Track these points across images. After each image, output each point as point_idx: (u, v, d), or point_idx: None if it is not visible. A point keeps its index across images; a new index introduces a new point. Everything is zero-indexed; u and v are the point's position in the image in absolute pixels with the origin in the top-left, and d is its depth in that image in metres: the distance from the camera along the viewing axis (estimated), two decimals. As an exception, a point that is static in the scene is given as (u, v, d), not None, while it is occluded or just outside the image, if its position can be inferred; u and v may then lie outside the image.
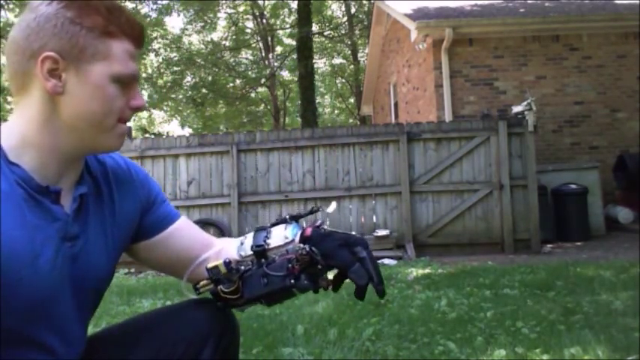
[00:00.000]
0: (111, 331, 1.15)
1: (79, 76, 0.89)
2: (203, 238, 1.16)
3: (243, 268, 0.98)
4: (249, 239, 1.04)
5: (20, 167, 0.89)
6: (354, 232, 1.04)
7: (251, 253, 1.01)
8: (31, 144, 0.90)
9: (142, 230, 1.10)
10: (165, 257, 1.13)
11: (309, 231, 0.99)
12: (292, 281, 0.95)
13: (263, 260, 0.99)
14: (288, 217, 1.04)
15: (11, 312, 0.86)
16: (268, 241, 1.01)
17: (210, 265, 1.00)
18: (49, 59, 0.87)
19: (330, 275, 1.03)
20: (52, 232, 0.91)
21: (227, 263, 0.98)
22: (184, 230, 1.14)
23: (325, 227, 1.03)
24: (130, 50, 0.94)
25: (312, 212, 1.05)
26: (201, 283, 1.02)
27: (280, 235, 1.01)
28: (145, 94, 23.39)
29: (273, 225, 1.05)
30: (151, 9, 20.38)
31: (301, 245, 0.97)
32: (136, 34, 0.96)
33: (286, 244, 0.99)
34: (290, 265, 0.95)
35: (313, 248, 0.96)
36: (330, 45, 23.92)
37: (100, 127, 0.93)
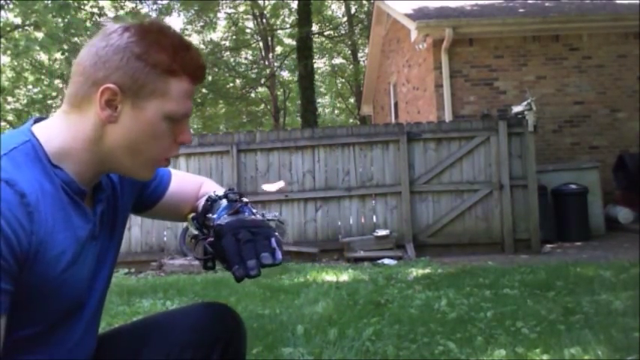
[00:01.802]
0: (119, 332, 1.18)
1: (134, 110, 0.93)
2: (194, 188, 1.26)
3: (196, 232, 1.14)
4: (203, 203, 1.15)
5: (63, 170, 0.93)
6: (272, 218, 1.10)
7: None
8: (72, 157, 0.94)
9: (141, 204, 1.20)
10: (166, 214, 1.27)
11: (217, 223, 1.06)
12: (210, 265, 1.06)
13: (203, 230, 1.13)
14: (225, 193, 1.13)
15: (51, 313, 0.91)
16: (208, 214, 1.11)
17: (189, 215, 1.20)
18: (108, 90, 0.91)
19: None
20: (88, 234, 0.96)
21: (194, 218, 1.16)
22: (177, 191, 1.23)
23: (251, 210, 1.11)
24: (188, 89, 0.96)
25: (238, 201, 1.11)
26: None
27: (216, 208, 1.11)
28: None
29: (220, 197, 1.13)
30: (151, 9, 20.37)
31: (206, 243, 1.07)
32: (199, 74, 0.98)
33: (214, 225, 1.08)
34: (209, 249, 1.05)
35: (208, 248, 1.05)
36: (330, 45, 23.93)
37: (140, 160, 0.97)
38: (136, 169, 0.99)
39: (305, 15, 15.84)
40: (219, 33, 24.00)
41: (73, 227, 0.92)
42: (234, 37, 23.05)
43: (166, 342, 1.04)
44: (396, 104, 12.43)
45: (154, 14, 20.21)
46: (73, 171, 0.94)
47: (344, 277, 5.13)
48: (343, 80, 25.15)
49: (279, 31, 23.46)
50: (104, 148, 0.94)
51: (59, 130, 0.94)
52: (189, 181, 1.27)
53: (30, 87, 20.86)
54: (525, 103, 7.08)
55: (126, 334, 1.13)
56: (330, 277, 5.12)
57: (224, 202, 1.11)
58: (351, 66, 23.33)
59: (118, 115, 0.92)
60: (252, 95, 23.81)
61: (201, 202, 1.17)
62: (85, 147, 0.94)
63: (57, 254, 0.88)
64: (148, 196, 1.19)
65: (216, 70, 21.53)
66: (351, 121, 24.95)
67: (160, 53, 0.92)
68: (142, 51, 0.92)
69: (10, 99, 20.39)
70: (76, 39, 14.60)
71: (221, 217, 1.07)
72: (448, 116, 8.61)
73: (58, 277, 0.89)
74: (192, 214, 1.17)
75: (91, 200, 1.00)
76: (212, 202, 1.12)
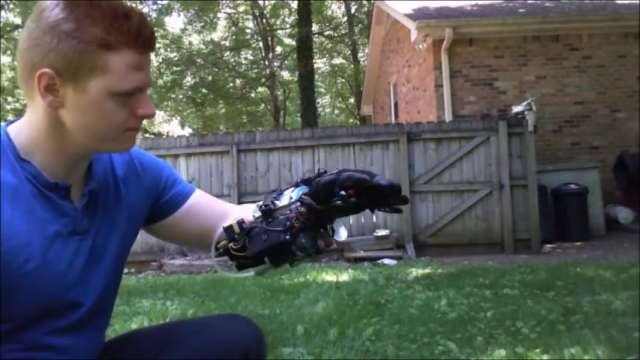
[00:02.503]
0: (140, 334, 1.16)
1: (77, 92, 0.87)
2: (220, 209, 1.16)
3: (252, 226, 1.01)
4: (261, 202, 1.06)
5: (30, 163, 0.91)
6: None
7: (260, 213, 1.01)
8: (38, 146, 0.92)
9: (157, 213, 1.12)
10: (185, 232, 1.15)
11: (306, 189, 0.98)
12: (287, 237, 0.95)
13: (269, 219, 1.00)
14: (299, 180, 1.04)
15: (25, 303, 0.89)
16: (276, 201, 1.00)
17: (226, 224, 1.03)
18: (45, 76, 0.86)
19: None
20: (61, 227, 0.93)
21: (240, 222, 1.01)
22: (199, 205, 1.15)
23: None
24: (133, 61, 0.88)
25: (319, 175, 1.00)
26: (220, 243, 1.04)
27: (287, 196, 1.01)
28: (144, 94, 23.36)
29: (286, 189, 1.05)
30: (151, 9, 20.37)
31: (298, 201, 0.97)
32: (142, 41, 0.89)
33: (290, 203, 0.99)
34: (288, 223, 0.95)
35: (306, 198, 0.95)
36: (330, 45, 23.92)
37: (103, 139, 0.92)
38: (104, 147, 0.95)
39: (305, 15, 15.84)
40: (219, 33, 23.99)
41: (37, 220, 0.89)
42: (234, 37, 23.03)
43: (185, 351, 1.03)
44: (396, 104, 12.43)
45: (154, 14, 20.23)
46: (42, 163, 0.91)
47: (344, 277, 5.13)
48: (343, 80, 25.14)
49: (279, 31, 23.45)
50: (63, 132, 0.90)
51: (25, 124, 0.93)
52: (217, 200, 1.20)
53: (30, 87, 20.85)
54: (525, 103, 7.08)
55: (147, 337, 1.11)
56: (330, 277, 5.12)
57: (295, 190, 1.00)
58: (351, 66, 23.31)
59: (61, 99, 0.87)
60: (252, 95, 23.80)
61: (249, 207, 1.07)
62: (45, 135, 0.91)
63: (13, 246, 0.86)
64: (163, 205, 1.12)
65: (216, 70, 21.53)
66: (351, 121, 24.94)
67: (92, 27, 0.85)
68: (73, 27, 0.85)
69: (10, 99, 20.40)
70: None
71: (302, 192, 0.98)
72: (448, 116, 8.61)
73: (18, 271, 0.86)
74: (239, 219, 1.03)
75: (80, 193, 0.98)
76: (280, 192, 1.03)
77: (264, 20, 22.61)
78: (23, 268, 0.87)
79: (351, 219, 7.11)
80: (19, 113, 19.13)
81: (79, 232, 0.96)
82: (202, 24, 22.77)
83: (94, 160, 1.01)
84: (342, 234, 1.04)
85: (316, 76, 19.95)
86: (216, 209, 1.16)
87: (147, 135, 22.84)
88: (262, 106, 24.71)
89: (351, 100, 24.91)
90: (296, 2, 17.93)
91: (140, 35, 0.89)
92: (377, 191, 0.96)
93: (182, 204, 1.13)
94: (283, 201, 1.00)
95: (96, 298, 0.99)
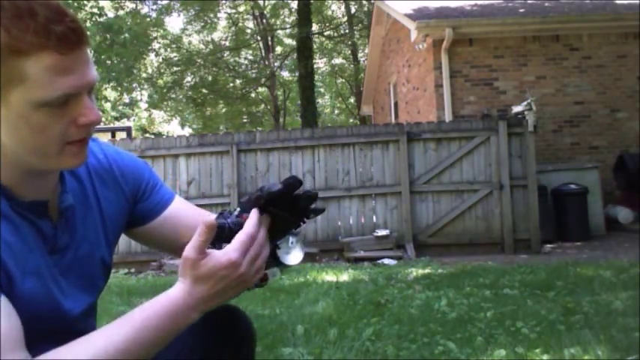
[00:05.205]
0: None
1: (3, 107, 0.78)
2: (198, 218, 1.09)
3: None
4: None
5: (2, 183, 0.87)
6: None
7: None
8: (2, 165, 0.86)
9: (135, 218, 1.09)
10: (162, 240, 1.12)
11: (244, 216, 0.89)
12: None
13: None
14: (242, 200, 0.96)
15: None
16: (228, 219, 0.93)
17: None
18: None
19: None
20: (40, 247, 0.89)
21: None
22: (178, 214, 1.11)
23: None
24: (54, 64, 0.76)
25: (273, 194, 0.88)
26: None
27: (234, 214, 0.94)
28: (145, 94, 23.37)
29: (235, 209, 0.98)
30: (151, 9, 20.39)
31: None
32: (58, 40, 0.76)
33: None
34: (218, 245, 0.89)
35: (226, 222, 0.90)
36: (330, 45, 23.93)
37: (42, 154, 0.83)
38: (47, 164, 0.85)
39: (305, 15, 15.85)
40: (219, 33, 24.00)
41: (21, 239, 0.86)
42: (234, 37, 23.03)
43: (176, 343, 0.98)
44: (396, 104, 12.43)
45: (153, 14, 20.24)
46: (12, 182, 0.86)
47: (344, 277, 5.13)
48: (343, 80, 25.15)
49: (279, 31, 23.45)
50: (9, 152, 0.83)
51: None
52: (196, 210, 1.15)
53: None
54: (525, 103, 7.08)
55: None
56: (330, 277, 5.12)
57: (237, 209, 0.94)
58: (351, 66, 23.32)
59: None
60: (252, 95, 23.81)
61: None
62: (1, 154, 0.84)
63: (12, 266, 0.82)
64: (142, 211, 1.09)
65: (216, 70, 21.54)
66: (351, 121, 24.94)
67: None
68: None
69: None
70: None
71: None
72: (448, 116, 8.61)
73: (15, 287, 0.82)
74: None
75: (57, 209, 0.93)
76: (230, 213, 0.95)
77: (264, 20, 22.61)
78: (17, 285, 0.83)
79: (351, 219, 7.11)
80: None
81: (59, 250, 0.93)
82: (202, 24, 22.78)
83: (66, 172, 0.95)
84: (291, 257, 0.93)
85: (316, 76, 19.95)
86: (193, 219, 1.10)
87: (147, 135, 22.86)
88: (262, 106, 24.71)
89: (351, 100, 24.92)
90: (296, 2, 17.93)
91: (51, 33, 0.75)
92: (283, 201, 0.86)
93: (160, 212, 1.10)
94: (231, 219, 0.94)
95: (83, 309, 0.97)
